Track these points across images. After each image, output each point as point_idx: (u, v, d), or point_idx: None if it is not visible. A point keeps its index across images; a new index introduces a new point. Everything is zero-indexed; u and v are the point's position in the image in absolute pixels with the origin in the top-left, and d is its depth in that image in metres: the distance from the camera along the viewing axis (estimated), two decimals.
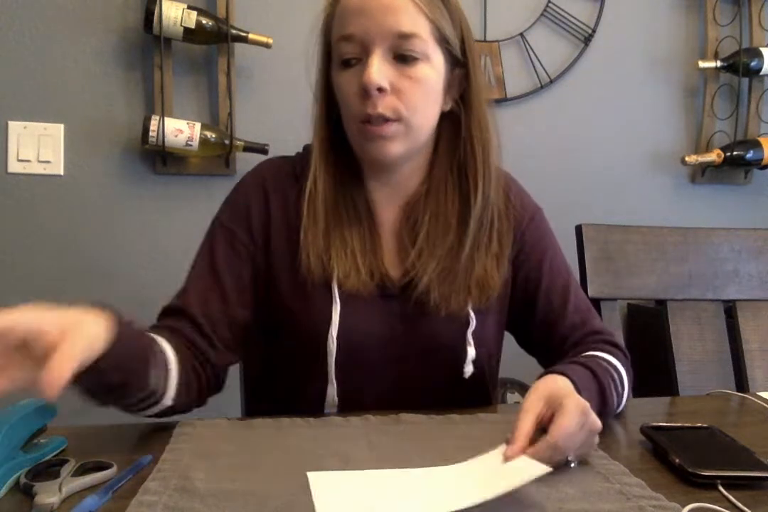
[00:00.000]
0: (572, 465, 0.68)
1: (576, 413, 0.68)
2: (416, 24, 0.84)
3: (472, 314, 0.92)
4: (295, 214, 0.92)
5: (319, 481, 0.66)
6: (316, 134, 0.93)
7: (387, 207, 0.96)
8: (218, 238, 0.94)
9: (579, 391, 0.74)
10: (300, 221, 0.91)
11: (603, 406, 0.80)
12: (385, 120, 0.86)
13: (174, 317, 0.90)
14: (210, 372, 0.89)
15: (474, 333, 0.92)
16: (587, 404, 0.71)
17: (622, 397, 0.88)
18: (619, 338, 1.12)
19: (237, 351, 0.93)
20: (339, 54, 0.88)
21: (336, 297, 0.89)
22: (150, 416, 0.82)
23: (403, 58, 0.85)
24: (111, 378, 0.69)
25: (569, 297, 0.98)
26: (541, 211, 1.03)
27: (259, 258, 0.93)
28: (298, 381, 0.93)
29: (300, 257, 0.90)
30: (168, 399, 0.80)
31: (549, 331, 0.98)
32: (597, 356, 0.89)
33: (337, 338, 0.88)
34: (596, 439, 0.72)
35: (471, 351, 0.92)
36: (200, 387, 0.87)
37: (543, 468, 0.62)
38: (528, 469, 0.62)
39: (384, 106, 0.85)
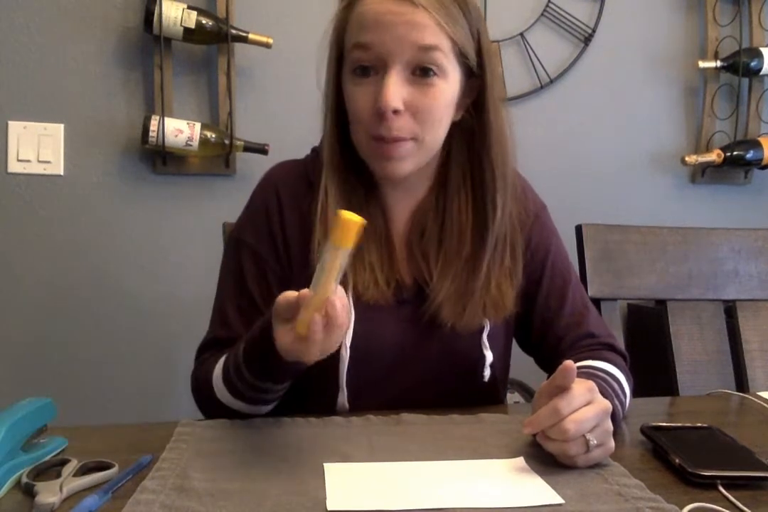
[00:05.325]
0: (592, 442, 0.67)
1: (581, 388, 0.69)
2: (438, 38, 0.82)
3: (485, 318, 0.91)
4: (310, 221, 0.90)
5: (334, 472, 0.67)
6: (327, 144, 0.91)
7: (398, 211, 0.95)
8: (245, 259, 0.93)
9: None
10: (314, 229, 0.89)
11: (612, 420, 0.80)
12: (399, 139, 0.84)
13: (223, 345, 0.89)
14: None
15: (488, 336, 0.92)
16: (594, 384, 0.72)
17: (626, 405, 0.87)
18: (618, 338, 1.12)
19: None
20: (353, 60, 0.85)
21: (351, 307, 0.88)
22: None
23: (423, 71, 0.83)
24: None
25: (567, 297, 0.97)
26: (546, 209, 1.02)
27: (285, 275, 0.93)
28: (309, 388, 0.93)
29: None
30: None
31: (545, 331, 0.98)
32: (595, 367, 0.87)
33: (350, 346, 0.88)
34: (609, 424, 0.71)
35: (489, 355, 0.91)
36: None
37: (557, 499, 0.62)
38: (542, 495, 0.63)
39: (399, 127, 0.83)
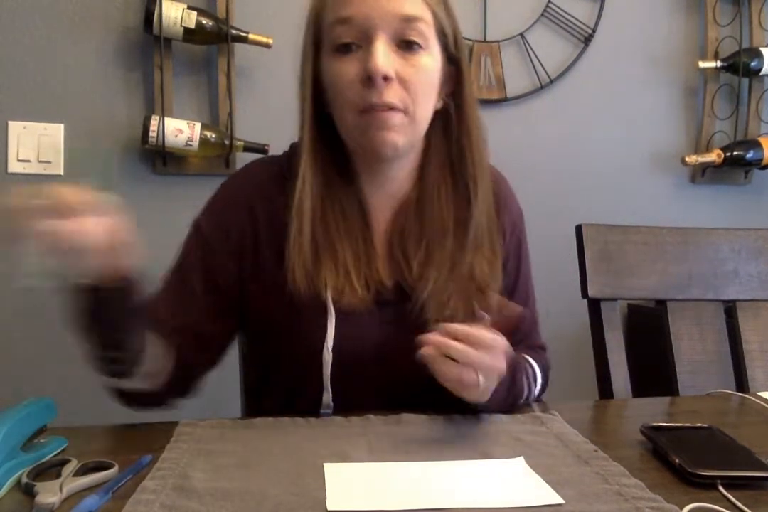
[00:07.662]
0: (481, 379, 0.75)
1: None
2: (420, 8, 0.82)
3: None
4: (283, 221, 0.88)
5: (334, 472, 0.67)
6: (305, 132, 0.89)
7: (380, 212, 0.93)
8: (194, 248, 0.93)
9: None
10: (288, 223, 0.88)
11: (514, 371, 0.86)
12: (390, 109, 0.82)
13: None
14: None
15: None
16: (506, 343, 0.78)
17: (532, 381, 0.93)
18: (616, 337, 1.16)
19: (206, 359, 0.93)
20: (334, 38, 0.84)
21: (331, 310, 0.86)
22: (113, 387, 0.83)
23: (407, 44, 0.82)
24: (117, 306, 0.76)
25: (525, 316, 0.98)
26: (523, 216, 1.03)
27: (234, 273, 0.91)
28: (295, 387, 0.92)
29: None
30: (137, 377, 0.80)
31: None
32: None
33: (333, 349, 0.87)
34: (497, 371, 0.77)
35: None
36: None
37: (557, 499, 0.62)
38: (542, 495, 0.63)
39: (390, 94, 0.82)
